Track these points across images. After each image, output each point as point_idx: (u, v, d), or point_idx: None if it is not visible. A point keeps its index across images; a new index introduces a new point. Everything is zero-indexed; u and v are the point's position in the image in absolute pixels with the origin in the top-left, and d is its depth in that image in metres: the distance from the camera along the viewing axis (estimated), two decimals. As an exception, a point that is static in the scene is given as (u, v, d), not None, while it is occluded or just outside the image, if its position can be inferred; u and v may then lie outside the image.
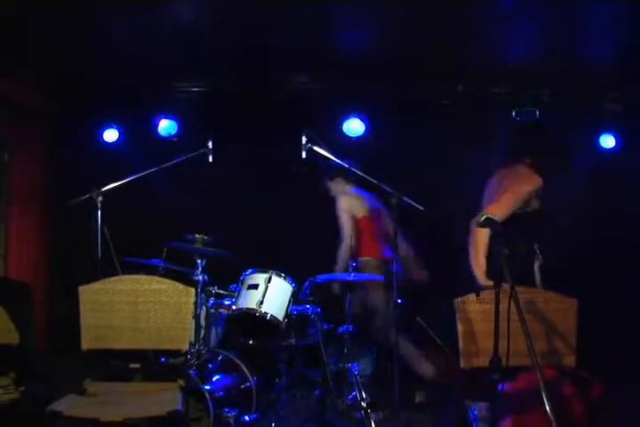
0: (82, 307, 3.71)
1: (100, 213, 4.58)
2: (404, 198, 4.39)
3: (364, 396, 4.48)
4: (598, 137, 6.43)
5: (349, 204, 5.56)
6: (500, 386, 2.84)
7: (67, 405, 3.26)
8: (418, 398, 5.42)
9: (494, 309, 2.84)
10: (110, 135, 6.48)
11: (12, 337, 4.19)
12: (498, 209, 3.95)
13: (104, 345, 3.73)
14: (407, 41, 5.30)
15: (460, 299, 3.49)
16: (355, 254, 5.35)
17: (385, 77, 5.99)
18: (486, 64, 5.74)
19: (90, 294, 3.75)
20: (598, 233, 6.07)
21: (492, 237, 2.77)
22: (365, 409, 4.40)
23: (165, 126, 6.40)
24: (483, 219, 2.90)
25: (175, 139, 6.38)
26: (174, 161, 4.86)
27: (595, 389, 3.37)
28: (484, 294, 3.41)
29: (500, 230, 2.85)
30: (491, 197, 4.40)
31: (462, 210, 5.83)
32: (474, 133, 6.34)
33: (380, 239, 5.64)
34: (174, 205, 6.35)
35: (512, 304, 2.74)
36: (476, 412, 3.28)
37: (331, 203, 5.63)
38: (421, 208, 4.37)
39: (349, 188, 5.67)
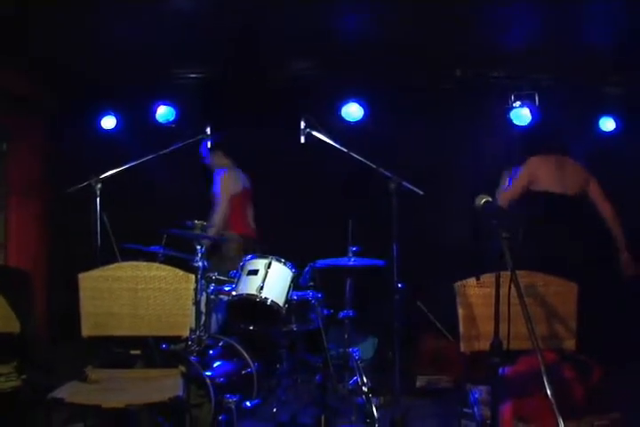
0: (82, 294, 3.71)
1: (98, 200, 4.57)
2: (403, 183, 4.38)
3: (365, 381, 4.48)
4: (598, 120, 6.42)
5: (229, 179, 5.78)
6: (500, 370, 2.84)
7: (68, 392, 3.27)
8: (419, 383, 5.43)
9: (495, 292, 2.83)
10: (108, 122, 6.47)
11: (13, 325, 4.18)
12: None
13: (104, 332, 3.74)
14: (406, 25, 5.27)
15: (460, 283, 3.49)
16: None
17: (383, 62, 5.96)
18: (485, 48, 5.71)
19: (89, 281, 3.75)
20: (597, 217, 6.06)
21: (492, 221, 2.74)
22: (366, 394, 4.41)
23: (163, 113, 6.39)
24: (482, 202, 2.89)
25: (173, 125, 6.36)
26: (172, 147, 4.85)
27: (594, 372, 3.38)
28: (484, 278, 3.41)
29: (499, 214, 2.83)
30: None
31: (461, 194, 5.89)
32: (473, 118, 6.33)
33: (247, 217, 5.93)
34: (173, 192, 6.35)
35: (512, 288, 2.73)
36: (476, 395, 3.29)
37: (331, 188, 5.63)
38: (420, 192, 4.37)
39: (229, 163, 5.88)
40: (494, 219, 2.78)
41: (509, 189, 5.13)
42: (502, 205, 4.88)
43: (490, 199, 2.90)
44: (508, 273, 2.72)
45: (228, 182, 5.78)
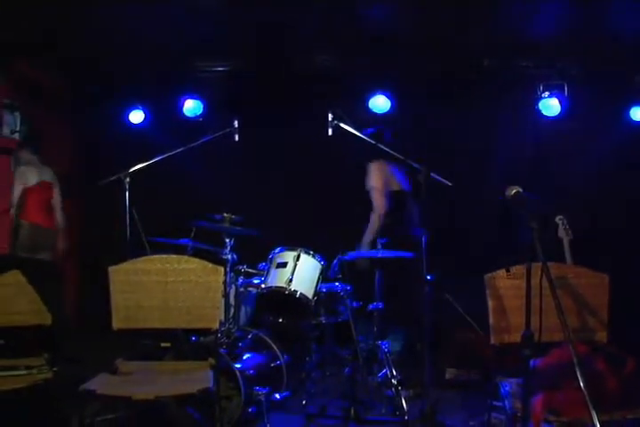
0: (112, 287, 3.73)
1: (127, 194, 4.60)
2: (432, 174, 4.36)
3: (395, 373, 4.48)
4: (628, 110, 6.33)
5: None
6: (531, 362, 2.82)
7: (99, 384, 3.29)
8: (448, 376, 5.41)
9: (526, 284, 2.80)
10: (136, 117, 6.50)
11: (44, 318, 4.22)
12: None
13: (135, 325, 3.75)
14: (433, 15, 5.23)
15: (490, 275, 3.47)
16: None
17: (411, 53, 5.92)
18: (513, 37, 5.65)
19: (120, 274, 3.77)
20: (628, 206, 6.00)
21: (522, 212, 2.72)
22: (396, 386, 4.41)
23: (191, 107, 6.40)
24: (512, 192, 2.86)
25: (201, 119, 6.37)
26: (200, 141, 4.86)
27: (627, 364, 3.34)
28: (514, 270, 3.38)
29: (529, 205, 2.80)
30: None
31: (490, 185, 5.85)
32: (501, 109, 6.27)
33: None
34: (202, 185, 6.37)
35: (543, 280, 2.70)
36: (507, 388, 3.26)
37: (360, 180, 5.59)
38: (449, 183, 4.34)
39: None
40: (524, 209, 2.75)
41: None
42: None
43: (520, 190, 2.86)
44: (539, 264, 2.69)
45: None
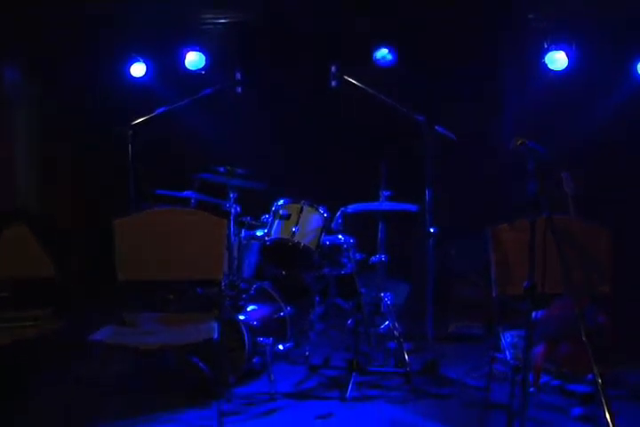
0: (117, 240, 3.74)
1: (130, 147, 4.59)
2: (437, 127, 4.34)
3: (397, 326, 4.52)
4: (636, 64, 6.23)
5: None
6: (533, 313, 2.83)
7: (106, 334, 3.32)
8: (450, 329, 5.46)
9: (530, 237, 2.80)
10: (138, 70, 6.42)
11: (48, 271, 4.26)
12: None
13: (140, 277, 3.77)
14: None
15: (493, 227, 3.47)
16: None
17: (415, 3, 5.82)
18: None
19: (124, 226, 3.77)
20: (635, 163, 5.96)
21: (528, 163, 2.71)
22: (398, 339, 4.45)
23: (193, 60, 6.32)
24: (518, 143, 2.84)
25: (203, 72, 6.30)
26: (203, 93, 4.83)
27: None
28: (518, 223, 3.38)
29: (535, 156, 2.79)
30: None
31: (493, 140, 5.81)
32: (507, 61, 6.19)
33: None
34: (205, 138, 6.34)
35: (547, 233, 2.70)
36: (509, 339, 3.29)
37: (363, 133, 5.57)
38: (453, 137, 4.33)
39: None
40: (530, 161, 2.73)
41: None
42: None
43: (526, 141, 2.84)
44: (543, 218, 2.69)
45: None
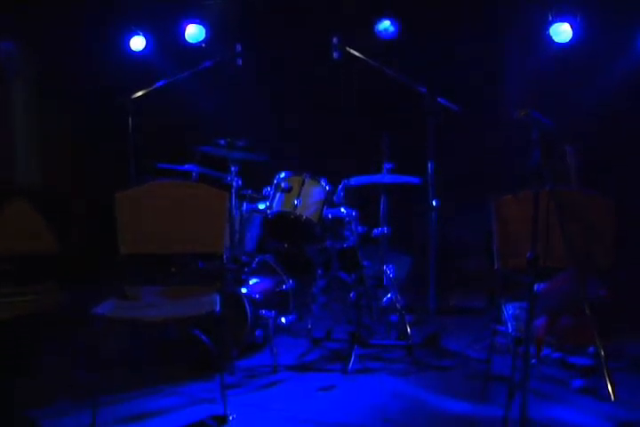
0: (118, 213, 3.73)
1: (131, 120, 4.57)
2: (439, 99, 4.31)
3: (399, 298, 4.52)
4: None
5: None
6: (536, 286, 2.83)
7: (108, 308, 3.32)
8: (452, 302, 5.48)
9: (533, 209, 2.78)
10: (137, 43, 6.37)
11: (50, 245, 4.25)
12: None
13: (141, 250, 3.77)
14: None
15: (496, 199, 3.45)
16: None
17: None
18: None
19: (126, 200, 3.77)
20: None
21: (531, 134, 2.68)
22: (400, 311, 4.45)
23: (193, 32, 6.26)
24: (522, 113, 2.81)
25: (203, 44, 6.25)
26: (203, 66, 4.80)
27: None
28: (521, 195, 3.36)
29: (539, 127, 2.76)
30: None
31: (496, 112, 5.78)
32: (510, 33, 6.13)
33: None
34: (206, 111, 6.31)
35: (550, 205, 2.69)
36: (510, 312, 3.29)
37: (365, 105, 5.52)
38: (455, 108, 4.30)
39: None
40: (534, 131, 2.71)
41: None
42: None
43: (530, 111, 2.82)
44: (547, 190, 2.67)
45: None
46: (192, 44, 6.26)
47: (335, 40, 4.48)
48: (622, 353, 3.99)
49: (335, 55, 4.46)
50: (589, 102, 5.89)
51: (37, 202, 4.90)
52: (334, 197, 4.54)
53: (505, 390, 3.13)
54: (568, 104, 5.83)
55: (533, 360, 3.24)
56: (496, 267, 3.44)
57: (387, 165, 4.53)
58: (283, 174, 4.56)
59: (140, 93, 4.61)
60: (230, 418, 3.32)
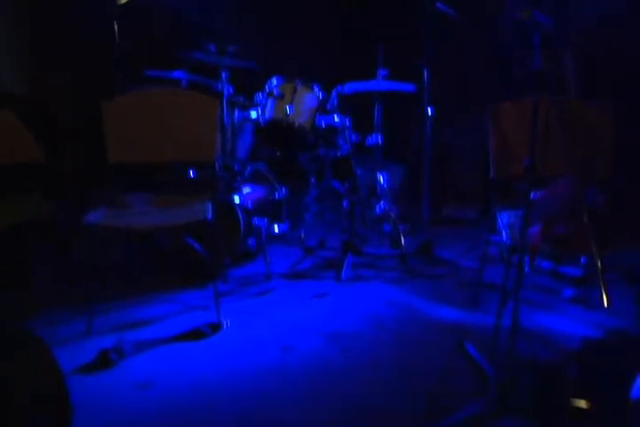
0: (106, 121, 3.64)
1: (116, 25, 4.41)
2: (438, 4, 4.18)
3: (393, 208, 4.51)
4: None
5: None
6: (532, 193, 2.79)
7: (99, 217, 3.28)
8: (446, 212, 5.47)
9: (532, 116, 2.71)
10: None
11: (37, 156, 4.18)
12: None
13: (132, 158, 3.69)
14: None
15: (493, 107, 3.37)
16: None
17: None
18: None
19: (113, 108, 3.67)
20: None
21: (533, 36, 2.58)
22: (394, 221, 4.45)
23: None
24: (526, 14, 2.69)
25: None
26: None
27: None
28: (519, 103, 3.28)
29: (542, 29, 2.65)
30: None
31: (496, 17, 5.61)
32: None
33: None
34: (195, 16, 6.10)
35: (549, 113, 2.63)
36: (505, 220, 3.27)
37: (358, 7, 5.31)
38: (454, 14, 4.17)
39: None
40: (536, 33, 2.61)
41: None
42: None
43: (533, 12, 2.69)
44: (546, 98, 2.60)
45: None
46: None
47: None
48: (615, 263, 4.02)
49: None
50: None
51: (23, 112, 4.78)
52: (327, 105, 4.45)
53: (497, 298, 3.15)
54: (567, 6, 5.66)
55: (526, 269, 3.25)
56: (492, 175, 3.40)
57: (382, 72, 4.42)
58: (275, 81, 4.45)
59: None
60: (225, 325, 3.35)
